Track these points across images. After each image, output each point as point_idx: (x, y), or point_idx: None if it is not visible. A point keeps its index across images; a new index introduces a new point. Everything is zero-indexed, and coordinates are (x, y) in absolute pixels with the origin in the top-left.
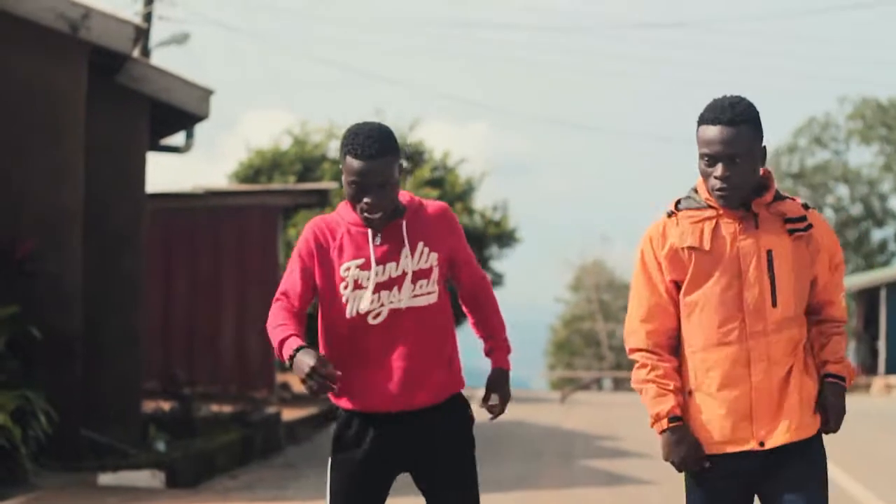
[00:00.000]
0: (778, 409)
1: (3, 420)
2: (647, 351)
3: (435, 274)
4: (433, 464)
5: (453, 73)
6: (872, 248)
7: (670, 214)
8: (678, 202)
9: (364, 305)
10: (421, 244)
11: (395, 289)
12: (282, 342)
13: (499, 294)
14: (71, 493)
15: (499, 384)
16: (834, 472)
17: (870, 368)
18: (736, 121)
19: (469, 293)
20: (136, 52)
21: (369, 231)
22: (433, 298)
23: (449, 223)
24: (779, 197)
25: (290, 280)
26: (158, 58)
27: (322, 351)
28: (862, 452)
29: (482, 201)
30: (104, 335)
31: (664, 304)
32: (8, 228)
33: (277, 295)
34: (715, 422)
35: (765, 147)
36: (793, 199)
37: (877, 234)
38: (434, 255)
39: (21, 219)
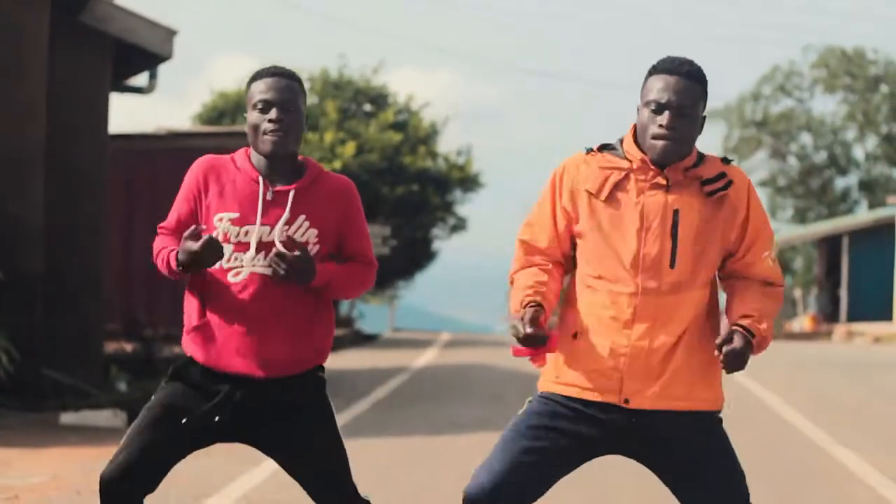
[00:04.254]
0: (654, 372)
1: None
2: (529, 246)
3: (310, 250)
4: (285, 436)
5: (422, 19)
6: (835, 197)
7: (588, 151)
8: (603, 145)
9: (225, 260)
10: (302, 217)
11: (262, 253)
12: (166, 260)
13: (462, 239)
14: (32, 433)
15: (309, 256)
16: (796, 418)
17: (831, 316)
18: (692, 75)
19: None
20: None
21: (261, 185)
22: None
23: (345, 196)
24: (697, 161)
25: (170, 213)
26: None
27: (186, 291)
28: (824, 399)
29: (446, 146)
30: (66, 276)
31: (553, 228)
32: None
33: (159, 228)
34: (588, 367)
35: (704, 117)
36: (711, 157)
37: (840, 183)
38: (313, 232)
39: None
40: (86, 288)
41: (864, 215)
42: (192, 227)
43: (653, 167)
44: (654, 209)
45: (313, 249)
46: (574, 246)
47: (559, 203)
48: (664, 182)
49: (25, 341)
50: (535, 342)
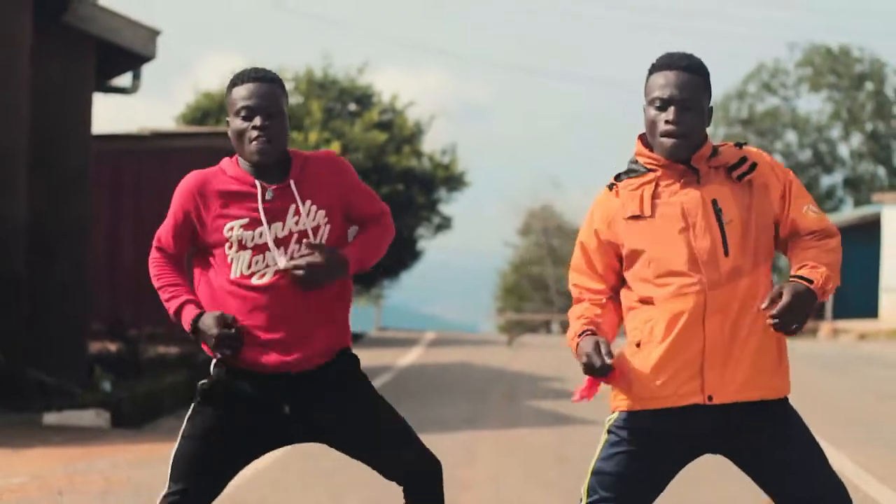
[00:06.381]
0: (732, 362)
1: None
2: (578, 289)
3: (323, 232)
4: (338, 422)
5: (409, 18)
6: (821, 195)
7: (611, 187)
8: (618, 175)
9: (246, 266)
10: (308, 202)
11: (281, 249)
12: (177, 310)
13: (447, 238)
14: (16, 433)
15: (333, 251)
16: None
17: (817, 314)
18: (692, 68)
19: (360, 223)
20: None
21: (258, 188)
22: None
23: (337, 171)
24: (714, 151)
25: (164, 233)
26: None
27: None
28: (808, 396)
29: (433, 145)
30: (51, 276)
31: (593, 267)
32: None
33: (155, 244)
34: (662, 374)
35: (711, 108)
36: (725, 146)
37: (825, 181)
38: (321, 213)
39: None
40: (70, 288)
41: (849, 213)
42: (233, 317)
43: (679, 164)
44: (693, 205)
45: (325, 229)
46: (621, 276)
47: (598, 239)
48: (694, 176)
49: (9, 341)
50: (603, 372)
